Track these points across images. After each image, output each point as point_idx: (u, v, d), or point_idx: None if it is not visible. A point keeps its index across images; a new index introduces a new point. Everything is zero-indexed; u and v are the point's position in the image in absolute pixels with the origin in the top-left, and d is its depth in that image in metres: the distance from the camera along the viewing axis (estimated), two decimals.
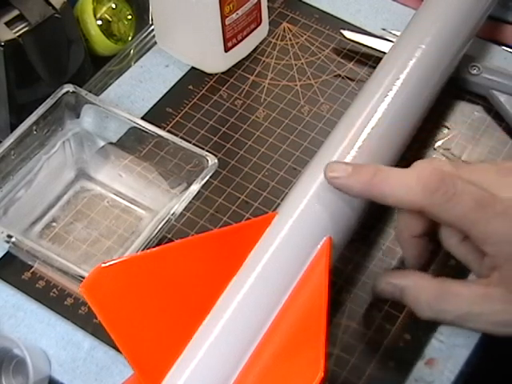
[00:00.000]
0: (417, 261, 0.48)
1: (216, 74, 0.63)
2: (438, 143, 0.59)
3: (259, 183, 0.57)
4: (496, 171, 0.45)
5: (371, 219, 0.54)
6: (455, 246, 0.46)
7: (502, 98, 0.59)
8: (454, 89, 0.60)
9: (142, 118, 0.59)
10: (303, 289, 0.43)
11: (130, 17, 0.67)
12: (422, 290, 0.45)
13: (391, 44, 0.57)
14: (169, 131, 0.58)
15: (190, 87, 0.63)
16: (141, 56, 0.65)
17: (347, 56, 0.64)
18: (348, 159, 0.47)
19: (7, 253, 0.53)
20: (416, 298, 0.45)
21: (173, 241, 0.54)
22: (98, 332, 0.50)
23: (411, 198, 0.43)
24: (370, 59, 0.64)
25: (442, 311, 0.44)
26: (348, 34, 0.64)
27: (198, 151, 0.54)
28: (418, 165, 0.45)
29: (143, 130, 0.56)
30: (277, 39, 0.66)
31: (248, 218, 0.55)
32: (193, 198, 0.53)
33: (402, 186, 0.44)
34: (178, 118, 0.61)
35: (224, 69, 0.63)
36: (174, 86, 0.63)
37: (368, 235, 0.54)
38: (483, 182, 0.44)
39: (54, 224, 0.55)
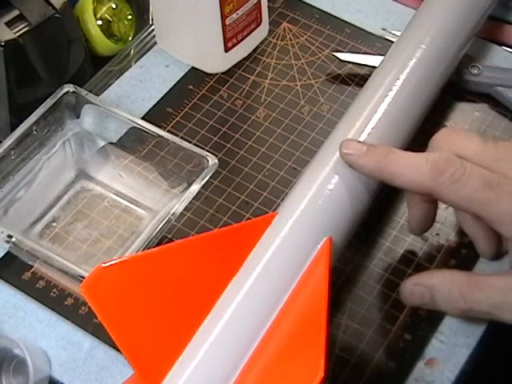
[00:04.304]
0: (420, 226, 0.49)
1: (216, 74, 0.63)
2: None
3: (259, 183, 0.57)
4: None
5: (371, 219, 0.54)
6: (468, 221, 0.46)
7: (510, 93, 0.59)
8: (454, 89, 0.60)
9: (142, 118, 0.59)
10: (303, 289, 0.43)
11: (130, 17, 0.67)
12: (453, 283, 0.44)
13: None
14: (169, 131, 0.58)
15: (190, 87, 0.63)
16: (141, 56, 0.65)
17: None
18: None
19: (7, 253, 0.53)
20: (449, 291, 0.44)
21: (173, 241, 0.54)
22: (98, 332, 0.50)
23: (420, 179, 0.43)
24: None
25: (476, 301, 0.43)
26: (342, 55, 0.63)
27: (198, 151, 0.54)
28: (432, 144, 0.45)
29: (143, 130, 0.56)
30: (277, 39, 0.66)
31: (248, 218, 0.55)
32: (193, 198, 0.53)
33: (412, 166, 0.44)
34: (178, 118, 0.61)
35: (224, 69, 0.63)
36: (174, 86, 0.63)
37: (368, 235, 0.54)
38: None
39: (54, 224, 0.55)
